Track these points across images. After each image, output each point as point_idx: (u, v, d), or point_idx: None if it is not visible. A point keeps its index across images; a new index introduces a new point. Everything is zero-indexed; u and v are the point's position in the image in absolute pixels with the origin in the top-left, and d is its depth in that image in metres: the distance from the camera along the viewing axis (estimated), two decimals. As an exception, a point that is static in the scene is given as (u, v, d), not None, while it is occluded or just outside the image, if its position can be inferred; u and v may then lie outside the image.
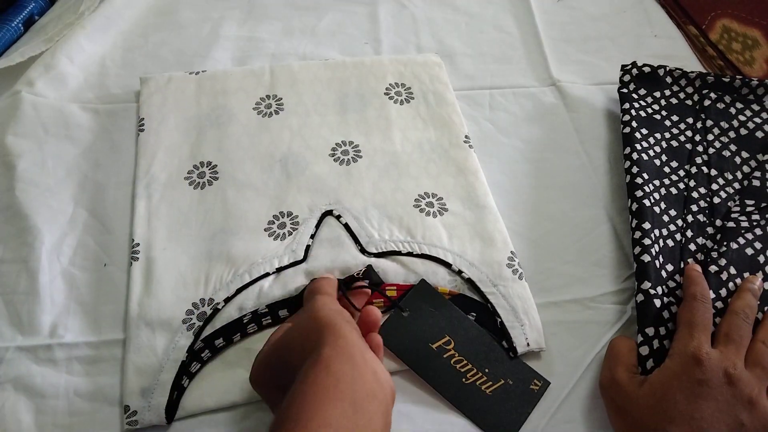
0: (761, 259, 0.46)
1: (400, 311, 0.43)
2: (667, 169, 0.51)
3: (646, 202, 0.47)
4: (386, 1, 0.70)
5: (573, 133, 0.58)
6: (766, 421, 0.36)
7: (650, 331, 0.41)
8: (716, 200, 0.49)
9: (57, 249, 0.46)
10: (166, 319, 0.42)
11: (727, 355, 0.38)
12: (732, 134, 0.54)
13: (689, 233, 0.47)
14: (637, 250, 0.45)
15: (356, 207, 0.49)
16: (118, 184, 0.51)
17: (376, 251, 0.47)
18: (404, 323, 0.43)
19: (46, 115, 0.54)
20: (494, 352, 0.43)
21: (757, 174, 0.51)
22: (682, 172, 0.51)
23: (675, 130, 0.54)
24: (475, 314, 0.44)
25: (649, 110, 0.55)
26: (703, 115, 0.55)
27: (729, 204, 0.49)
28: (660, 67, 0.58)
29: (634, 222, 0.47)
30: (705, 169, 0.51)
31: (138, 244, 0.46)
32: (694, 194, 0.50)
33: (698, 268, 0.44)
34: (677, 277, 0.44)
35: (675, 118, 0.55)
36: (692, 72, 0.58)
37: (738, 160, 0.52)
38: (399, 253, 0.46)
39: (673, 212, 0.48)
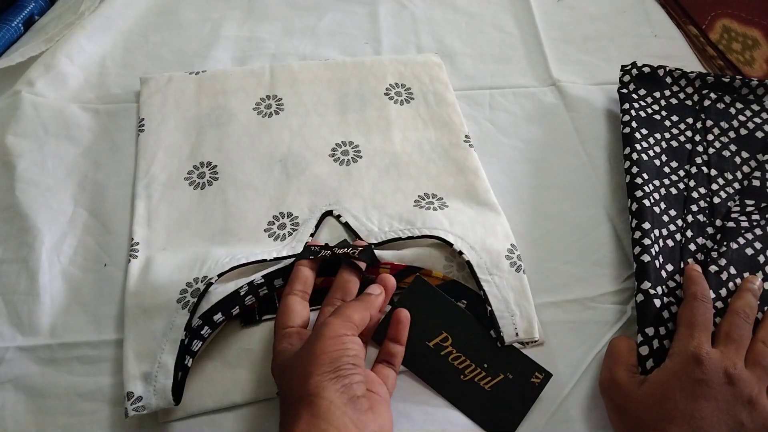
0: (761, 259, 0.46)
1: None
2: (666, 169, 0.51)
3: (646, 202, 0.47)
4: (386, 1, 0.70)
5: (573, 133, 0.58)
6: (766, 420, 0.36)
7: (650, 331, 0.41)
8: (716, 200, 0.49)
9: (57, 249, 0.46)
10: (162, 303, 0.41)
11: (728, 355, 0.38)
12: (732, 134, 0.54)
13: (689, 233, 0.47)
14: (637, 250, 0.45)
15: (356, 207, 0.49)
16: (118, 184, 0.51)
17: (375, 241, 0.46)
18: None
19: (46, 115, 0.54)
20: (494, 346, 0.42)
21: (757, 174, 0.51)
22: (682, 172, 0.51)
23: (675, 131, 0.54)
24: (465, 302, 0.44)
25: (649, 110, 0.55)
26: (703, 115, 0.55)
27: (729, 204, 0.49)
28: (660, 67, 0.58)
29: (634, 222, 0.47)
30: (705, 169, 0.51)
31: (137, 243, 0.46)
32: (694, 194, 0.50)
33: (698, 268, 0.44)
34: (677, 277, 0.44)
35: (675, 118, 0.55)
36: (692, 72, 0.58)
37: (738, 160, 0.52)
38: (399, 238, 0.46)
39: (672, 212, 0.48)
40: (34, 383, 0.40)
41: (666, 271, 0.45)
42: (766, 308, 0.43)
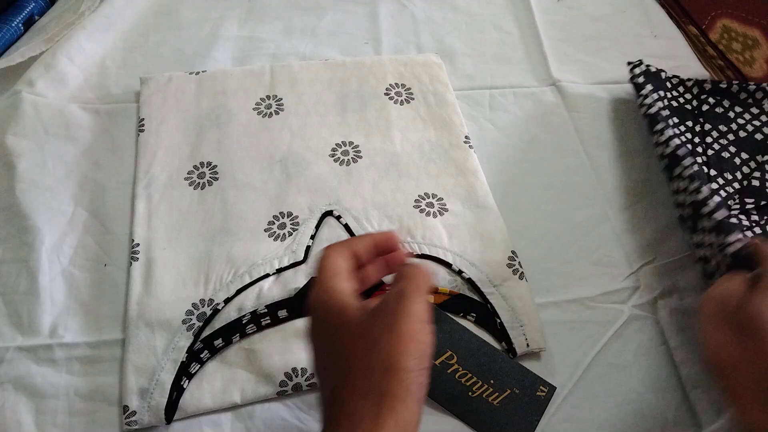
0: None
1: None
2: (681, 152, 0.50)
3: (696, 167, 0.46)
4: (386, 1, 0.70)
5: (573, 133, 0.58)
6: None
7: None
8: (716, 199, 0.49)
9: (57, 249, 0.46)
10: (166, 320, 0.42)
11: None
12: (731, 137, 0.54)
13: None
14: (710, 206, 0.43)
15: (356, 207, 0.49)
16: (118, 185, 0.51)
17: None
18: None
19: (46, 115, 0.54)
20: (497, 362, 0.42)
21: (757, 174, 0.51)
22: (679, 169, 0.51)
23: (676, 130, 0.54)
24: (475, 315, 0.44)
25: (658, 105, 0.54)
26: (701, 119, 0.55)
27: (729, 203, 0.49)
28: (661, 71, 0.58)
29: (695, 184, 0.45)
30: (705, 169, 0.52)
31: (138, 244, 0.46)
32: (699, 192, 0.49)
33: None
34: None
35: (675, 119, 0.55)
36: (689, 80, 0.58)
37: (737, 161, 0.52)
38: None
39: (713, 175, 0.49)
40: (34, 383, 0.40)
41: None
42: None
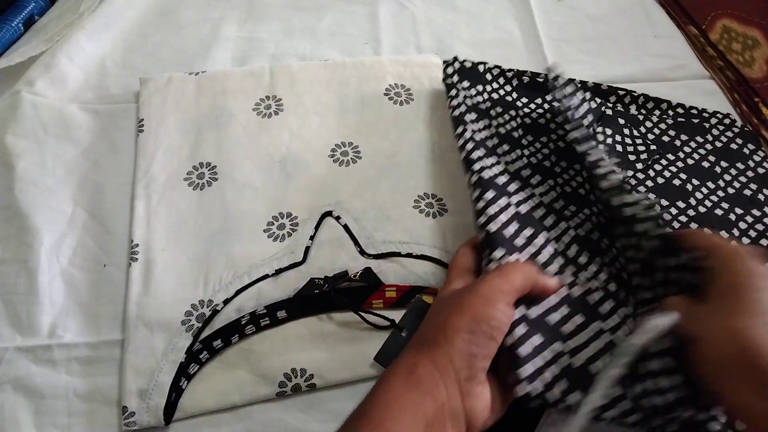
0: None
1: (398, 331, 0.43)
2: (499, 151, 0.49)
3: (485, 175, 0.44)
4: (386, 1, 0.70)
5: (573, 133, 0.58)
6: None
7: None
8: (494, 209, 0.44)
9: (56, 249, 0.46)
10: (165, 321, 0.42)
11: None
12: (553, 136, 0.52)
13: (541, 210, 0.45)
14: (482, 219, 0.41)
15: (356, 208, 0.49)
16: (117, 185, 0.51)
17: (375, 253, 0.47)
18: (403, 343, 0.42)
19: (45, 115, 0.54)
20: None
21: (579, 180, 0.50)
22: (514, 155, 0.49)
23: (501, 119, 0.52)
24: None
25: (476, 99, 0.53)
26: (521, 113, 0.54)
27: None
28: (480, 63, 0.57)
29: (476, 193, 0.43)
30: (533, 160, 0.50)
31: (137, 245, 0.46)
32: (533, 180, 0.48)
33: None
34: (539, 239, 0.42)
35: (499, 109, 0.53)
36: (509, 70, 0.57)
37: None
38: (398, 254, 0.47)
39: (514, 186, 0.46)
40: (33, 384, 0.40)
41: (524, 237, 0.42)
42: None
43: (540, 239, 0.42)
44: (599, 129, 0.54)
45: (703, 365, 0.31)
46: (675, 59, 0.64)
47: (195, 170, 0.51)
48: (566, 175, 0.50)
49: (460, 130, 0.49)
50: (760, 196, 0.51)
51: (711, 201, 0.51)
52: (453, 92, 0.53)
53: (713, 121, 0.57)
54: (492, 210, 0.41)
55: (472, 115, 0.51)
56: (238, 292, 0.44)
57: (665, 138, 0.55)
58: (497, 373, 0.35)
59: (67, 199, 0.50)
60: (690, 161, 0.54)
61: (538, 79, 0.57)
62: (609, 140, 0.54)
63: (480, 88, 0.55)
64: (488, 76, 0.57)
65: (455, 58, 0.57)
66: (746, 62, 0.63)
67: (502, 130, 0.52)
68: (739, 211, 0.50)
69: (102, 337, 0.43)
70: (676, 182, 0.52)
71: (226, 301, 0.43)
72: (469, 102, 0.53)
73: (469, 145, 0.47)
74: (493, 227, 0.40)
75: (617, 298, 0.40)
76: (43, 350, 0.42)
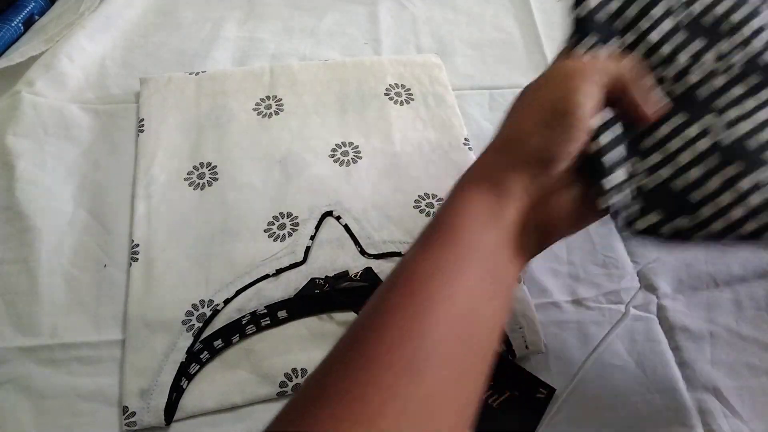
0: None
1: None
2: None
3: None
4: (386, 1, 0.70)
5: (573, 133, 0.58)
6: None
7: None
8: None
9: (57, 249, 0.46)
10: (166, 320, 0.42)
11: None
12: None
13: None
14: None
15: (356, 208, 0.49)
16: (117, 185, 0.51)
17: (376, 253, 0.47)
18: None
19: (46, 115, 0.54)
20: (496, 364, 0.42)
21: None
22: None
23: None
24: None
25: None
26: None
27: None
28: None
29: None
30: None
31: (137, 245, 0.46)
32: None
33: None
34: None
35: None
36: None
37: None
38: (399, 254, 0.47)
39: None
40: (34, 384, 0.40)
41: None
42: None
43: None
44: None
45: None
46: None
47: (195, 170, 0.51)
48: None
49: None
50: None
51: None
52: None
53: None
54: None
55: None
56: (238, 292, 0.44)
57: None
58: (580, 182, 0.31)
59: (68, 199, 0.50)
60: None
61: None
62: None
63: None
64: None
65: None
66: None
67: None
68: None
69: (103, 337, 0.43)
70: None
71: (227, 301, 0.44)
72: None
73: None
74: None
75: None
76: (44, 350, 0.42)
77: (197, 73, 0.58)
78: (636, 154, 0.32)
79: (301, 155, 0.52)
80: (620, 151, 0.31)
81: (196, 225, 0.48)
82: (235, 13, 0.67)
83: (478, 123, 0.58)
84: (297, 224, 0.48)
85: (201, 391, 0.40)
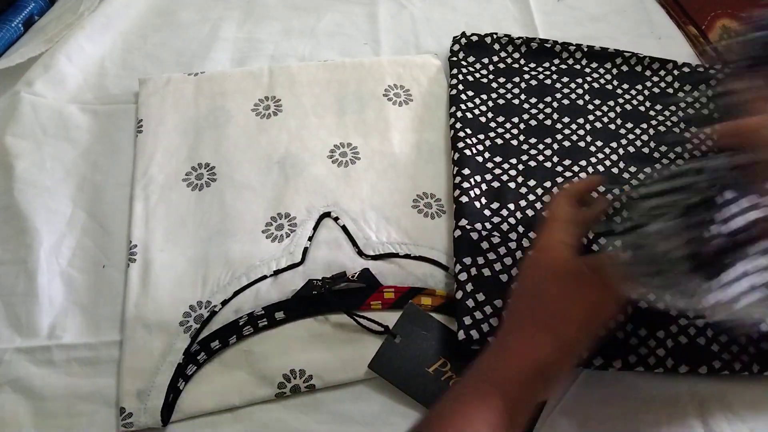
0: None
1: (391, 337, 0.43)
2: (492, 124, 0.55)
3: (467, 152, 0.51)
4: (385, 2, 0.69)
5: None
6: None
7: (467, 260, 0.44)
8: (545, 151, 0.52)
9: (56, 250, 0.47)
10: (163, 322, 0.42)
11: None
12: (559, 95, 0.56)
13: (520, 179, 0.51)
14: (456, 192, 0.48)
15: (354, 209, 0.49)
16: (116, 186, 0.51)
17: (373, 254, 0.47)
18: (397, 350, 0.42)
19: (45, 115, 0.54)
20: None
21: (581, 133, 0.54)
22: (508, 125, 0.55)
23: (502, 90, 0.58)
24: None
25: (477, 75, 0.59)
26: (526, 77, 0.58)
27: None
28: (488, 35, 0.61)
29: (455, 169, 0.50)
30: (533, 123, 0.55)
31: (135, 246, 0.46)
32: (524, 146, 0.53)
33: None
34: (504, 211, 0.48)
35: (502, 80, 0.59)
36: (518, 38, 0.61)
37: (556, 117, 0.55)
38: (397, 255, 0.46)
39: (498, 159, 0.52)
40: (33, 385, 0.40)
41: (491, 209, 0.48)
42: None
43: (504, 212, 0.48)
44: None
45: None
46: (675, 59, 0.64)
47: (194, 171, 0.51)
48: (568, 130, 0.54)
49: (452, 110, 0.55)
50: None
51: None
52: (455, 71, 0.58)
53: (720, 76, 0.59)
54: (465, 184, 0.48)
55: (470, 93, 0.56)
56: (236, 293, 0.44)
57: (669, 90, 0.59)
58: None
59: (67, 200, 0.50)
60: (690, 111, 0.56)
61: (546, 45, 0.61)
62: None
63: (485, 60, 0.60)
64: (496, 46, 0.61)
65: (463, 33, 0.61)
66: (746, 62, 0.63)
67: (501, 101, 0.56)
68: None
69: (101, 338, 0.43)
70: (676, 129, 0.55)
71: (225, 303, 0.44)
72: (470, 78, 0.58)
73: (458, 125, 0.53)
74: (464, 199, 0.47)
75: None
76: (42, 351, 0.42)
77: (196, 74, 0.58)
78: None
79: (299, 156, 0.52)
80: None
81: (194, 226, 0.48)
82: (234, 13, 0.67)
83: (477, 123, 0.58)
84: (295, 225, 0.48)
85: (199, 392, 0.40)
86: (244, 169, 0.51)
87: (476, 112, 0.56)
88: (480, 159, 0.52)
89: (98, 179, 0.51)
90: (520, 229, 0.47)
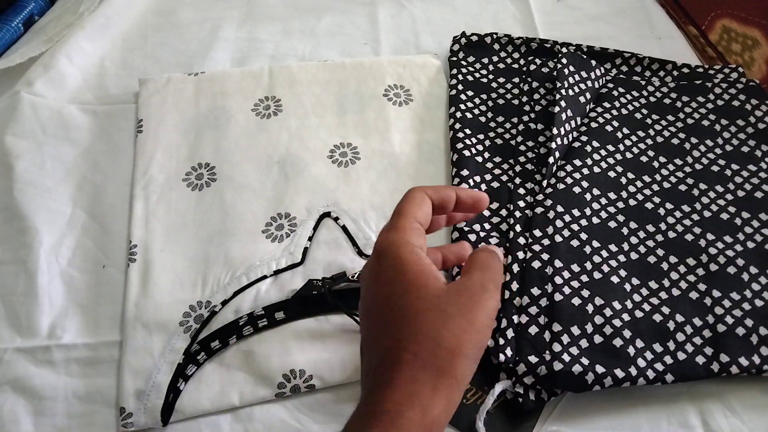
0: (587, 197, 0.48)
1: None
2: (492, 124, 0.55)
3: (466, 153, 0.51)
4: (385, 2, 0.69)
5: (572, 134, 0.58)
6: None
7: None
8: (542, 151, 0.52)
9: (55, 250, 0.46)
10: (163, 321, 0.42)
11: None
12: (557, 95, 0.54)
13: (518, 180, 0.50)
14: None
15: (354, 209, 0.49)
16: (116, 186, 0.51)
17: None
18: None
19: (44, 115, 0.54)
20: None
21: (583, 129, 0.54)
22: (508, 125, 0.55)
23: (501, 90, 0.58)
24: None
25: (477, 75, 0.59)
26: (528, 78, 0.58)
27: (557, 154, 0.51)
28: (488, 35, 0.62)
29: (454, 170, 0.51)
30: (532, 125, 0.54)
31: (135, 246, 0.46)
32: (522, 147, 0.53)
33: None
34: (503, 211, 0.48)
35: (501, 80, 0.59)
36: (518, 38, 0.61)
37: (563, 116, 0.53)
38: None
39: (497, 159, 0.52)
40: (33, 385, 0.40)
41: (490, 209, 0.49)
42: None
43: (504, 212, 0.48)
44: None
45: None
46: (675, 59, 0.64)
47: (194, 171, 0.51)
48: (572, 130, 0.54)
49: (452, 110, 0.55)
50: (758, 152, 0.52)
51: (708, 158, 0.52)
52: (454, 71, 0.58)
53: (717, 78, 0.58)
54: (464, 185, 0.49)
55: (469, 93, 0.56)
56: (236, 293, 0.44)
57: (666, 101, 0.57)
58: None
59: (66, 200, 0.50)
60: (690, 121, 0.55)
61: (546, 45, 0.61)
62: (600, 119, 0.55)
63: (485, 60, 0.60)
64: (496, 46, 0.61)
65: (463, 33, 0.61)
66: (746, 63, 0.63)
67: (501, 101, 0.57)
68: (735, 166, 0.51)
69: (101, 338, 0.43)
70: (675, 141, 0.54)
71: (225, 303, 0.44)
72: (470, 78, 0.58)
73: (458, 125, 0.54)
74: None
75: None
76: (42, 351, 0.42)
77: (196, 74, 0.58)
78: None
79: (299, 156, 0.52)
80: None
81: (194, 226, 0.48)
82: (234, 13, 0.67)
83: (477, 123, 0.58)
84: (295, 225, 0.48)
85: (199, 393, 0.40)
86: (244, 168, 0.51)
87: (476, 112, 0.56)
88: (479, 159, 0.52)
89: (98, 179, 0.51)
90: (520, 229, 0.47)
